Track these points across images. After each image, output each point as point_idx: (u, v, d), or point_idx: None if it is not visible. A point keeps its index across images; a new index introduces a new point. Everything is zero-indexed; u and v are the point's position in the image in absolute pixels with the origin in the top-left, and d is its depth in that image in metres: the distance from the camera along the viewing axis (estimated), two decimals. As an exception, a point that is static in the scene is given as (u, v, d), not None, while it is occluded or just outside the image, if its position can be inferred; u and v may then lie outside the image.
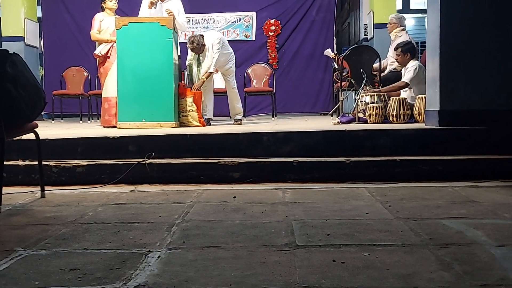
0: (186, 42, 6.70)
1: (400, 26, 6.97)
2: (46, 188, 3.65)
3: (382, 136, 4.42)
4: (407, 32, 7.02)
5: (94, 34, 6.49)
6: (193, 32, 8.97)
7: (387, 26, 7.17)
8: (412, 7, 10.96)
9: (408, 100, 5.66)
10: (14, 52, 3.20)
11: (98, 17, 6.52)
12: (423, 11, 8.99)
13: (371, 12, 9.56)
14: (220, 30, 9.67)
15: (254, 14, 9.86)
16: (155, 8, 6.38)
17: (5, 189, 3.25)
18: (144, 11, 6.43)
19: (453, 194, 3.45)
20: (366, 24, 10.01)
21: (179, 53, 6.39)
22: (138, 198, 3.50)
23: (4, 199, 3.21)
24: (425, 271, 1.93)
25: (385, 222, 2.69)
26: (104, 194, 3.65)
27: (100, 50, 6.38)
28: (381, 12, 9.18)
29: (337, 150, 4.29)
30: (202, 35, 6.44)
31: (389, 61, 6.97)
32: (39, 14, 10.14)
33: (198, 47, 6.37)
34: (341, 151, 4.28)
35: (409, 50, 6.04)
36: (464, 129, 4.37)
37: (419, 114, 5.44)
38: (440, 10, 4.59)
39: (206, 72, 6.42)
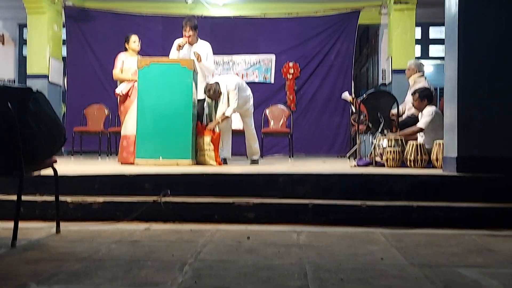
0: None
1: (419, 72, 6.99)
2: (62, 223, 3.66)
3: (399, 181, 4.39)
4: (426, 78, 7.04)
5: (116, 73, 6.65)
6: (212, 74, 9.09)
7: (406, 71, 7.19)
8: (431, 54, 10.99)
9: (426, 146, 5.64)
10: (37, 89, 3.28)
11: (121, 57, 6.69)
12: (442, 58, 9.04)
13: (390, 57, 9.65)
14: (240, 72, 9.81)
15: (273, 56, 9.98)
16: (181, 49, 6.50)
17: (21, 224, 3.28)
18: (173, 53, 6.55)
19: (469, 242, 3.39)
20: (384, 70, 10.09)
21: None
22: (152, 236, 3.50)
23: (20, 234, 3.23)
24: (440, 320, 1.89)
25: (400, 268, 2.65)
26: (119, 231, 3.66)
27: (122, 89, 6.52)
28: (399, 58, 9.24)
29: (353, 193, 4.27)
30: (217, 83, 6.45)
31: (407, 106, 6.97)
32: (64, 53, 10.41)
33: (216, 94, 6.42)
34: (357, 194, 4.26)
35: (426, 96, 6.06)
36: (482, 177, 4.33)
37: (436, 159, 5.41)
38: (458, 58, 4.63)
39: (223, 115, 6.46)
